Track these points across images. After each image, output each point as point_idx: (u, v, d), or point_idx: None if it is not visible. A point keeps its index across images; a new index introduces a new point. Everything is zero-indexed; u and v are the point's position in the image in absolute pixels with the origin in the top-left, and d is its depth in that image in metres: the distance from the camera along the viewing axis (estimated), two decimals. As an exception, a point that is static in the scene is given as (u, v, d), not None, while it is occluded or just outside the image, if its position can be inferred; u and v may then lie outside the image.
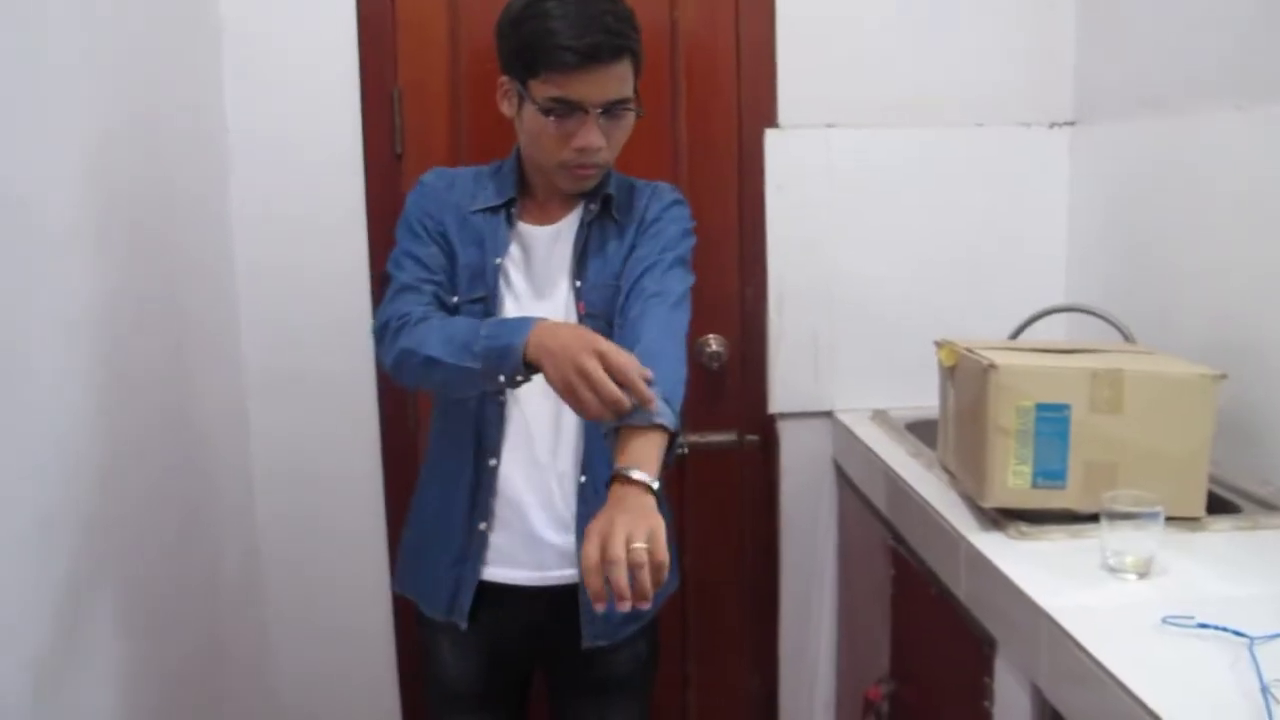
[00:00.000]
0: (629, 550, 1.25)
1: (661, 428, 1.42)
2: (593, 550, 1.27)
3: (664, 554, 1.28)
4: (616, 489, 1.36)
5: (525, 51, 1.59)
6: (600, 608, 1.27)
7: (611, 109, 1.61)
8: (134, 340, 1.82)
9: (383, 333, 1.64)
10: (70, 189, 1.61)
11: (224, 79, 2.30)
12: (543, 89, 1.59)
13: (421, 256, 1.70)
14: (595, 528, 1.29)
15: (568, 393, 1.40)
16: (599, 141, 1.62)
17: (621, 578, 1.24)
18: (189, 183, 2.13)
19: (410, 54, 2.36)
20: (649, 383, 1.40)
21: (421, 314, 1.61)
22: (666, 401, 1.45)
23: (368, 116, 2.36)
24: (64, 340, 1.59)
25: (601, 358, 1.37)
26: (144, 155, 1.90)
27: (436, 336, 1.55)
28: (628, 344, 1.52)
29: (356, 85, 2.35)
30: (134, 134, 1.86)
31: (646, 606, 1.27)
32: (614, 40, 1.56)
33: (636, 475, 1.36)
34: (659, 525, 1.30)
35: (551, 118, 1.60)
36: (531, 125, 1.64)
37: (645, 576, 1.26)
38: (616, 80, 1.60)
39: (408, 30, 2.36)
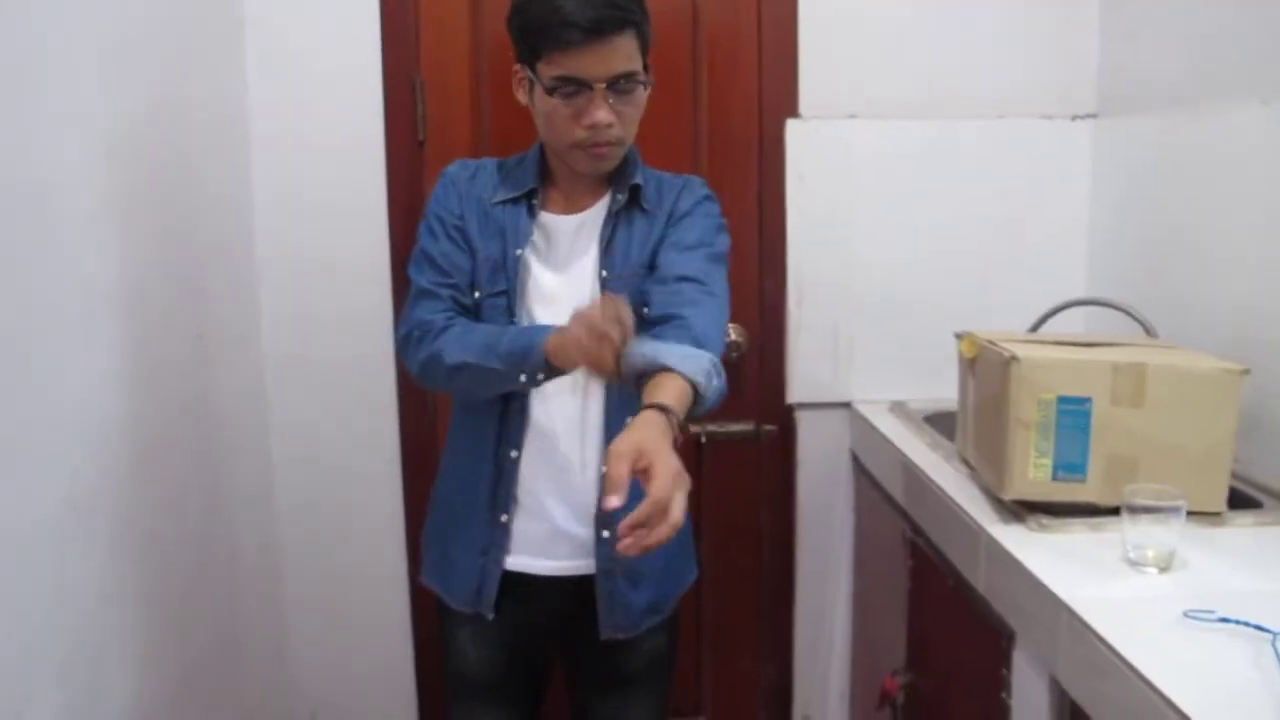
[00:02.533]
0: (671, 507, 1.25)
1: (680, 378, 1.43)
2: (622, 471, 1.26)
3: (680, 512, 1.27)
4: (639, 416, 1.36)
5: (530, 34, 1.60)
6: (615, 502, 1.25)
7: (618, 84, 1.60)
8: (157, 329, 1.84)
9: (405, 343, 1.68)
10: (95, 177, 1.62)
11: (247, 67, 2.31)
12: (549, 69, 1.59)
13: (437, 257, 1.71)
14: (624, 451, 1.28)
15: (592, 341, 1.40)
16: (608, 118, 1.61)
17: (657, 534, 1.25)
18: (211, 171, 2.14)
19: (433, 43, 2.37)
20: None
21: (443, 323, 1.65)
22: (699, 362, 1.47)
23: (390, 105, 2.36)
24: (89, 328, 1.60)
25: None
26: (167, 143, 1.91)
27: (459, 343, 1.61)
28: (672, 324, 1.56)
29: (379, 74, 2.35)
30: (157, 122, 1.86)
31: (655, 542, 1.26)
32: (614, 13, 1.56)
33: (660, 401, 1.37)
34: (685, 477, 1.30)
35: (559, 98, 1.60)
36: (543, 108, 1.64)
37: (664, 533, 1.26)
38: (621, 55, 1.59)
39: (430, 20, 2.36)
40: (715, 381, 1.49)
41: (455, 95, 2.38)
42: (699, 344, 1.51)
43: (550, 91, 1.60)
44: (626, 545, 1.25)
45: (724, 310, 1.67)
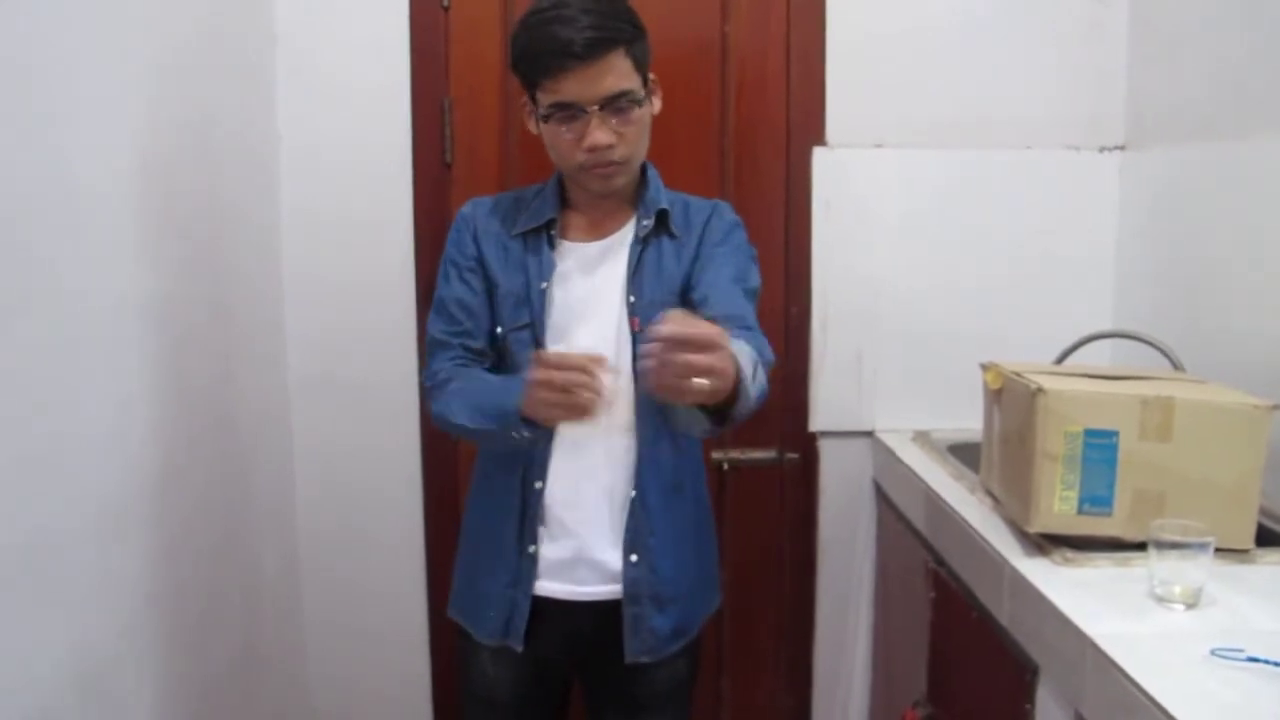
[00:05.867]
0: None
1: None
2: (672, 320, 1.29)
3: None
4: None
5: (524, 66, 1.62)
6: (664, 329, 1.27)
7: (611, 104, 1.60)
8: (184, 346, 1.85)
9: (428, 394, 1.73)
10: (127, 194, 1.64)
11: (276, 88, 2.33)
12: (545, 98, 1.61)
13: (449, 304, 1.73)
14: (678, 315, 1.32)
15: (549, 408, 1.42)
16: (605, 139, 1.61)
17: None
18: (240, 189, 2.16)
19: (462, 65, 2.38)
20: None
21: (447, 375, 1.68)
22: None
23: (418, 126, 2.38)
24: (118, 345, 1.61)
25: (545, 361, 1.42)
26: (197, 162, 1.92)
27: (459, 402, 1.64)
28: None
29: (408, 95, 2.37)
30: (188, 140, 1.88)
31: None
32: (601, 35, 1.56)
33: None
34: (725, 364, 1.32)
35: (557, 124, 1.62)
36: (548, 136, 1.66)
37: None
38: (610, 74, 1.58)
39: (460, 42, 2.37)
40: (759, 374, 1.51)
41: (484, 117, 2.40)
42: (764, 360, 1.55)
43: (547, 119, 1.62)
44: (649, 349, 1.27)
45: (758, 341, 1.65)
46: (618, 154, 1.64)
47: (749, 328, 1.64)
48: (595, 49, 1.56)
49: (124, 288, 1.62)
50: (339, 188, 2.38)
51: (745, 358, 1.46)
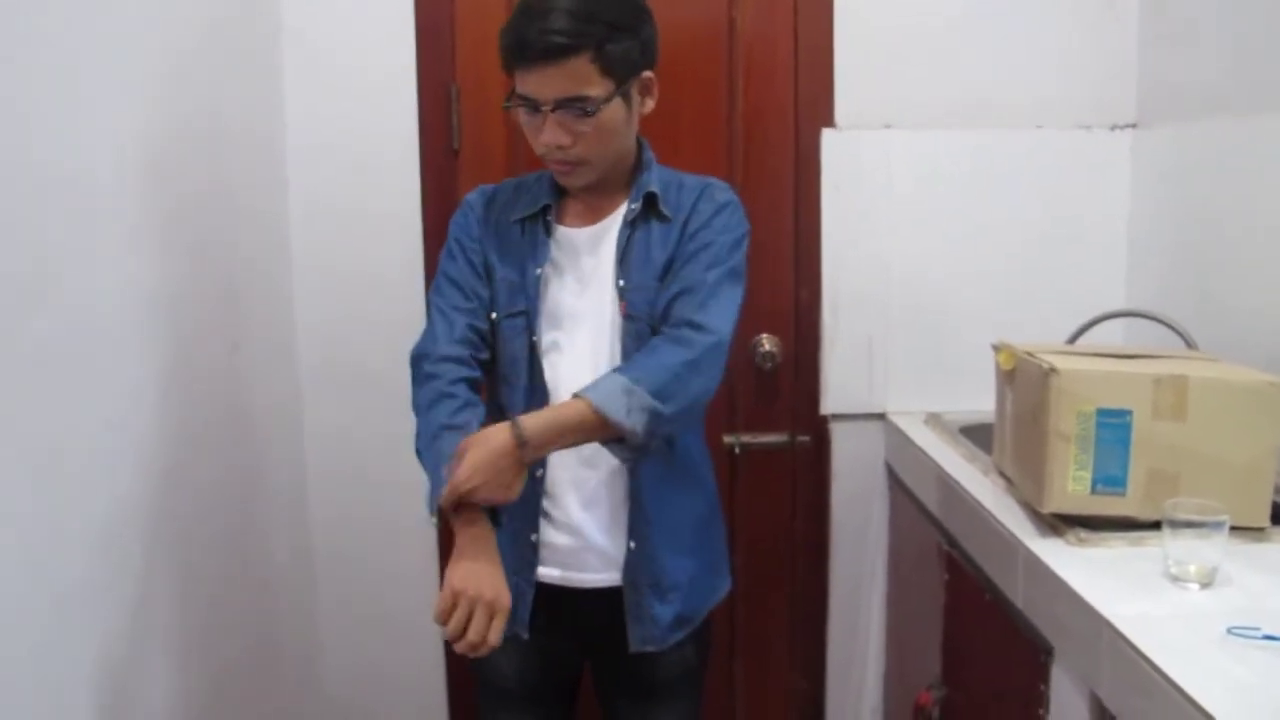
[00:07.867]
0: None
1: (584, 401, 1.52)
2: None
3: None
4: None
5: (501, 52, 1.61)
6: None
7: (566, 106, 1.57)
8: (194, 338, 1.85)
9: (411, 368, 1.71)
10: (136, 186, 1.64)
11: (284, 78, 2.33)
12: (517, 85, 1.60)
13: (456, 279, 1.72)
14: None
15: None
16: (555, 138, 1.59)
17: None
18: (248, 180, 2.15)
19: (468, 52, 2.37)
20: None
21: (427, 373, 1.68)
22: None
23: (425, 114, 2.38)
24: (129, 337, 1.62)
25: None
26: (205, 153, 1.92)
27: (420, 437, 1.68)
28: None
29: (414, 83, 2.36)
30: (196, 132, 1.88)
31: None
32: (554, 38, 1.52)
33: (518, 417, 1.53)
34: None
35: (521, 114, 1.61)
36: (520, 121, 1.65)
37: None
38: (572, 78, 1.55)
39: (466, 28, 2.37)
40: (641, 398, 1.52)
41: (491, 104, 2.39)
42: (635, 378, 1.54)
43: (509, 107, 1.62)
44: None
45: (700, 351, 1.60)
46: (573, 154, 1.62)
47: (693, 325, 1.60)
48: (552, 54, 1.53)
49: (133, 280, 1.63)
50: (347, 176, 2.38)
51: (614, 398, 1.51)
